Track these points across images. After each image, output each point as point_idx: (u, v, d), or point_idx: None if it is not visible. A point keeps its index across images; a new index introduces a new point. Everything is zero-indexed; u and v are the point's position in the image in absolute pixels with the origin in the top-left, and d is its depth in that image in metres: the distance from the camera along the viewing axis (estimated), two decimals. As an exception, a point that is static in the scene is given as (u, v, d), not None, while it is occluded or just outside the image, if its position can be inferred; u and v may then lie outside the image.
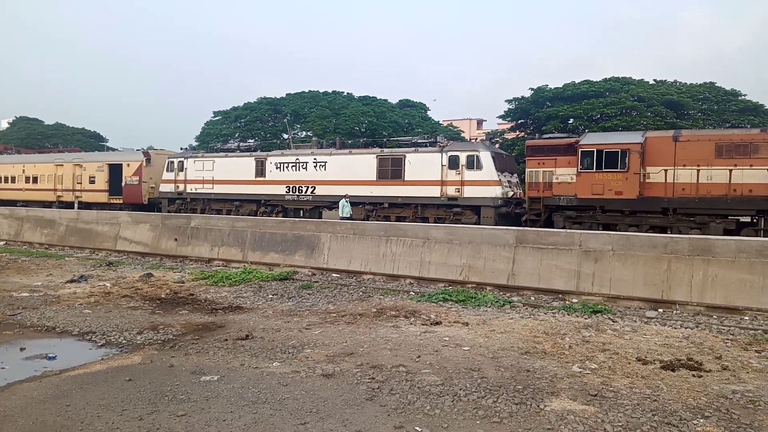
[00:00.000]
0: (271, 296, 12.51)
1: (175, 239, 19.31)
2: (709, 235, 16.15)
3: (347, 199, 22.27)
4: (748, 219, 18.49)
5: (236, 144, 31.77)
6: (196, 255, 18.54)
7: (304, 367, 7.21)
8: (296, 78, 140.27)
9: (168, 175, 30.07)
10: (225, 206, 28.39)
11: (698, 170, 18.07)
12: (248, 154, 28.62)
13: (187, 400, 6.06)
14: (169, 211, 28.77)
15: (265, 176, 27.20)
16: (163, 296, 12.34)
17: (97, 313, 10.45)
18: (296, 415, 5.64)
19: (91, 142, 59.02)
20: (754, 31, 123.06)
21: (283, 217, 25.13)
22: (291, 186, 26.41)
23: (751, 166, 17.52)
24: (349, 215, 21.80)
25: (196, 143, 47.81)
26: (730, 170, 17.60)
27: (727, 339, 8.92)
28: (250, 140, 40.04)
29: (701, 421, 5.53)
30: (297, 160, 26.44)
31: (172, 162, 30.13)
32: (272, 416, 5.62)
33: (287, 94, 49.53)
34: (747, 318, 10.44)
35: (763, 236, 16.76)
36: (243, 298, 12.32)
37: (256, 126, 47.73)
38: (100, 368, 7.27)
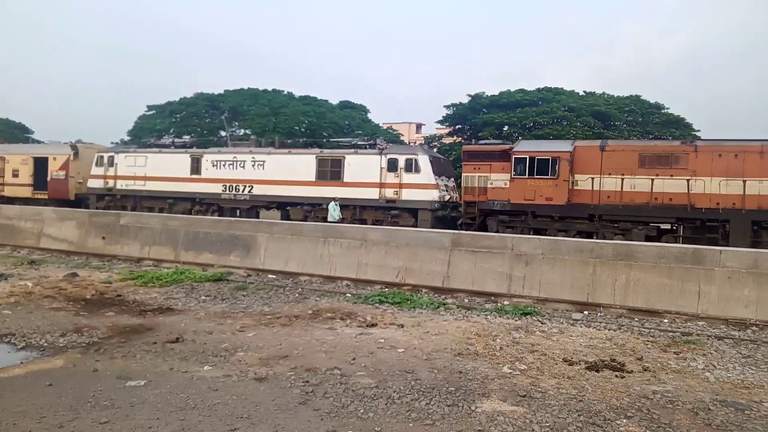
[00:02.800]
0: (203, 297, 12.21)
1: (103, 237, 18.54)
2: (631, 241, 16.95)
3: (337, 202, 21.43)
4: (668, 226, 19.53)
5: (171, 140, 30.89)
6: (125, 254, 17.86)
7: (237, 370, 7.09)
8: (235, 74, 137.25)
9: (97, 170, 28.85)
10: (157, 204, 27.50)
11: (623, 179, 18.95)
12: (183, 150, 27.88)
13: (111, 407, 5.83)
14: (97, 208, 27.57)
15: (200, 174, 26.55)
16: (88, 297, 11.82)
17: (17, 314, 9.90)
18: (226, 421, 5.53)
19: (16, 133, 55.68)
20: (686, 46, 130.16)
21: (218, 216, 24.60)
22: (228, 185, 25.90)
23: (671, 176, 18.53)
24: (338, 219, 20.98)
25: (128, 138, 46.13)
26: (652, 180, 18.55)
27: (648, 341, 9.38)
28: (186, 136, 39.01)
29: (624, 421, 5.79)
30: (234, 159, 25.96)
31: (102, 157, 28.94)
32: (201, 422, 5.49)
33: (226, 91, 48.48)
34: (666, 321, 11.00)
35: (682, 243, 17.75)
36: (174, 299, 11.96)
37: (193, 122, 46.46)
38: (19, 372, 6.90)
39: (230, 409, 5.82)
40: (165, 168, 27.30)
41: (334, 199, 21.58)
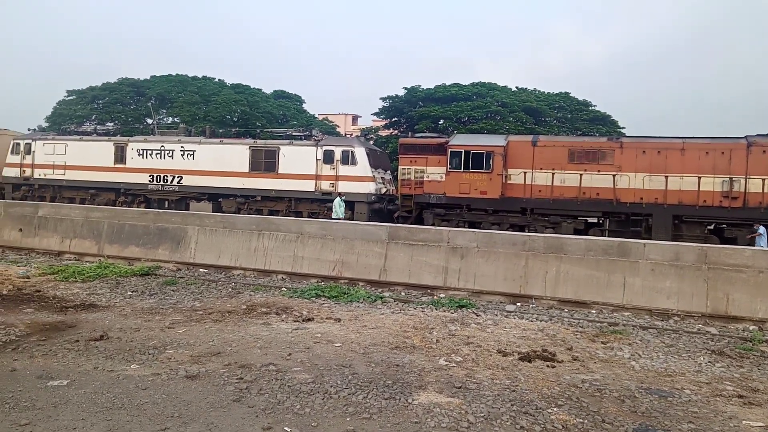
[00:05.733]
0: (130, 293, 11.69)
1: (20, 229, 17.46)
2: (561, 234, 17.49)
3: (343, 198, 20.13)
4: (595, 220, 20.29)
5: (93, 127, 29.49)
6: (44, 247, 16.89)
7: (166, 368, 6.79)
8: (162, 59, 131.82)
9: (13, 159, 27.18)
10: (79, 194, 26.21)
11: (553, 174, 19.53)
12: (106, 138, 26.66)
13: (32, 408, 5.48)
14: (13, 198, 26.03)
15: (125, 163, 25.46)
16: (4, 293, 11.08)
17: None
18: (156, 421, 5.28)
19: None
20: (611, 47, 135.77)
21: (145, 207, 23.67)
22: (155, 175, 24.95)
23: (598, 171, 19.25)
24: (342, 217, 19.55)
25: (47, 124, 43.64)
26: (581, 175, 19.20)
27: (577, 331, 9.68)
28: (109, 123, 37.35)
29: (555, 409, 5.93)
30: (162, 148, 25.02)
31: (18, 144, 27.28)
32: (129, 423, 5.22)
33: (152, 77, 46.57)
34: (594, 311, 11.41)
35: (608, 236, 18.47)
36: (98, 295, 11.39)
37: (117, 108, 44.38)
38: (-74, 375, 6.36)
39: (160, 409, 5.56)
40: (87, 156, 26.01)
41: (339, 194, 20.48)
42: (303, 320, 9.58)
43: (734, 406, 6.33)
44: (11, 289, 11.42)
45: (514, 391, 6.43)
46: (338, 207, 19.75)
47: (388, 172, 24.56)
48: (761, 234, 16.77)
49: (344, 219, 19.36)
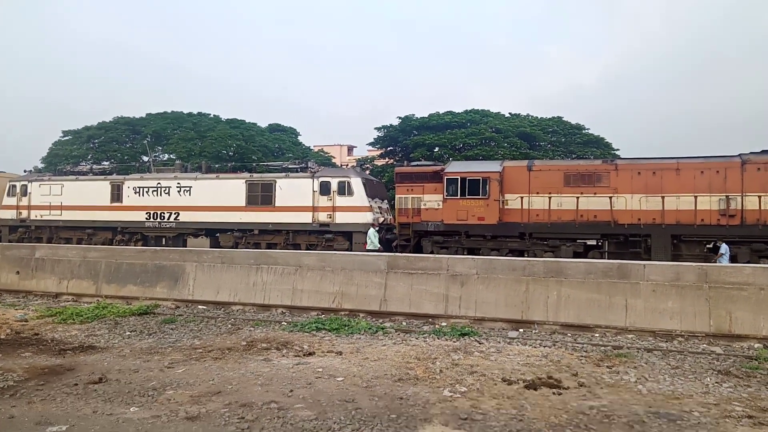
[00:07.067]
0: (128, 333, 11.56)
1: (17, 272, 17.35)
2: (560, 257, 17.43)
3: (376, 228, 19.47)
4: (594, 242, 20.27)
5: (89, 166, 29.59)
6: (41, 289, 16.76)
7: (166, 410, 6.67)
8: (158, 97, 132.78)
9: (9, 201, 27.20)
10: (76, 234, 26.15)
11: (550, 197, 19.57)
12: (102, 177, 26.73)
13: (29, 457, 5.36)
14: (10, 241, 25.97)
15: (122, 201, 25.47)
16: (2, 337, 10.94)
17: None
18: (157, 466, 5.16)
19: None
20: (605, 68, 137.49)
21: (143, 245, 23.60)
22: (152, 212, 24.93)
23: (595, 194, 19.31)
24: (376, 248, 18.42)
25: (43, 165, 43.82)
26: (577, 198, 19.25)
27: (582, 356, 9.57)
28: (105, 162, 37.52)
29: (563, 438, 5.82)
30: (158, 185, 25.07)
31: (14, 186, 27.32)
32: (129, 469, 5.10)
33: (148, 114, 46.98)
34: (597, 335, 11.30)
35: (607, 258, 18.44)
36: (96, 336, 11.26)
37: (113, 147, 44.62)
38: None
39: (160, 454, 5.44)
40: (83, 196, 26.03)
41: (372, 225, 19.93)
42: (304, 355, 9.46)
43: (744, 427, 6.22)
44: (9, 333, 11.28)
45: (521, 420, 6.32)
46: (373, 237, 18.91)
47: (385, 201, 24.61)
48: (723, 254, 16.75)
49: (380, 249, 18.57)
